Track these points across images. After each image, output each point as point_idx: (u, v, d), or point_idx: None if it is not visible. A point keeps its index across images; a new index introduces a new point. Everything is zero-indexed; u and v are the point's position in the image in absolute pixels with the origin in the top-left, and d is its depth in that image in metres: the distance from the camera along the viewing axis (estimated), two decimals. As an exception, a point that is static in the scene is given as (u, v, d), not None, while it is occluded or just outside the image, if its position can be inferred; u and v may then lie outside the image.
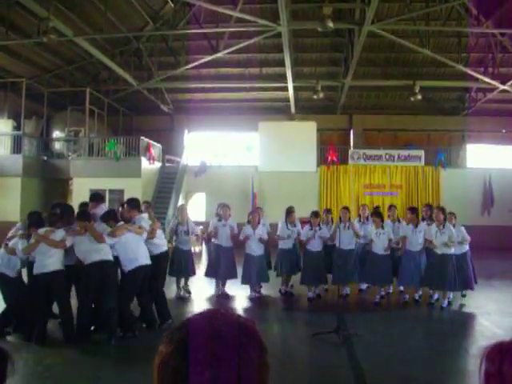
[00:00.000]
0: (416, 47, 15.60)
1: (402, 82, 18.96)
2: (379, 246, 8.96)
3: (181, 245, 9.40)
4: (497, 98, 19.74)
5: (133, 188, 17.19)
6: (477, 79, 17.57)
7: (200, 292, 9.88)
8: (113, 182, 17.47)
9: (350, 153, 20.25)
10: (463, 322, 8.08)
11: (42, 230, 6.47)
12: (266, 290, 9.80)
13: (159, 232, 7.79)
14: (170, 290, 9.46)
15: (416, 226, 8.88)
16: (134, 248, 6.76)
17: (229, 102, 22.66)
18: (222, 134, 23.17)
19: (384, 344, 6.60)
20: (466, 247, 9.05)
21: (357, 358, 5.92)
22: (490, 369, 1.03)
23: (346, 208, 9.50)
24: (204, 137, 23.38)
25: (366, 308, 8.93)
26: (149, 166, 18.70)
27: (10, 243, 6.74)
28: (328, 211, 10.27)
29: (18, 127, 18.76)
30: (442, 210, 8.79)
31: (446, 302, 8.70)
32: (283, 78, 17.99)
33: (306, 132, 20.35)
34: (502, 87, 17.74)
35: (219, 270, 9.49)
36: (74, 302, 6.78)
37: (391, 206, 10.40)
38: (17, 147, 18.17)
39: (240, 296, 9.55)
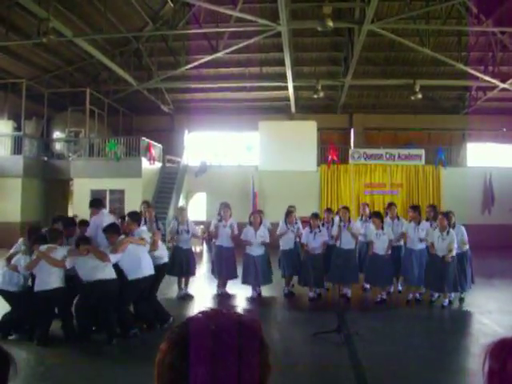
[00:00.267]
0: (416, 46, 15.59)
1: (402, 81, 18.94)
2: (379, 247, 8.96)
3: (181, 244, 9.39)
4: (497, 96, 19.74)
5: (133, 188, 17.22)
6: (477, 78, 17.57)
7: (201, 292, 9.88)
8: (113, 183, 17.49)
9: (350, 152, 20.26)
10: (464, 321, 8.09)
11: (43, 247, 6.43)
12: (266, 289, 9.80)
13: (160, 243, 7.82)
14: (171, 290, 9.48)
15: (418, 223, 8.88)
16: (137, 259, 6.79)
17: (229, 101, 22.67)
18: (222, 133, 23.19)
19: (385, 343, 6.60)
20: (466, 247, 9.04)
21: (358, 358, 5.93)
22: (493, 366, 1.03)
23: (346, 208, 9.48)
24: (204, 137, 23.39)
25: (367, 307, 8.94)
26: (149, 166, 18.70)
27: (13, 260, 6.73)
28: (329, 211, 10.26)
29: (18, 128, 18.77)
30: (447, 215, 8.73)
31: (446, 300, 8.69)
32: (283, 77, 17.98)
33: (306, 131, 20.34)
34: (502, 86, 17.73)
35: (220, 270, 9.50)
36: (73, 301, 6.80)
37: (390, 205, 10.39)
38: (17, 148, 18.17)
39: (241, 296, 9.56)
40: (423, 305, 8.88)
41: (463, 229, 9.00)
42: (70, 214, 17.13)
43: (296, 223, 9.68)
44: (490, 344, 1.07)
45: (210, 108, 22.97)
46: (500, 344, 1.06)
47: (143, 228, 7.38)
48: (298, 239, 9.72)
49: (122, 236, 6.88)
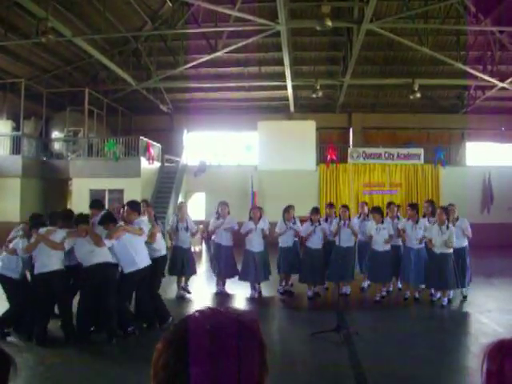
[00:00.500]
0: (415, 45, 15.59)
1: (401, 81, 18.94)
2: (379, 243, 8.97)
3: (181, 243, 9.37)
4: (496, 95, 19.74)
5: (132, 188, 17.20)
6: (476, 77, 17.57)
7: (200, 291, 9.88)
8: (112, 182, 17.47)
9: (349, 151, 20.27)
10: (463, 320, 8.09)
11: (42, 230, 6.48)
12: (266, 288, 9.80)
13: (158, 236, 7.79)
14: (171, 289, 9.48)
15: (416, 222, 8.89)
16: (133, 250, 6.74)
17: (228, 101, 22.66)
18: (221, 133, 23.15)
19: (384, 342, 6.60)
20: (465, 243, 9.05)
21: (357, 357, 5.93)
22: (491, 368, 1.03)
23: (346, 206, 9.49)
24: (203, 136, 23.36)
25: (367, 306, 8.95)
26: (148, 165, 18.70)
27: (12, 244, 6.75)
28: (331, 206, 10.21)
29: (17, 128, 18.74)
30: (446, 210, 8.78)
31: (446, 299, 8.71)
32: (282, 76, 17.97)
33: (305, 131, 20.35)
34: (500, 85, 17.73)
35: (219, 269, 9.51)
36: (73, 301, 6.79)
37: (390, 204, 10.39)
38: (16, 148, 18.16)
39: (240, 295, 9.56)
40: (422, 304, 8.89)
41: (467, 221, 9.01)
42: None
43: (294, 222, 9.68)
44: (488, 345, 1.07)
45: (208, 108, 22.97)
46: (497, 345, 1.06)
47: (143, 218, 7.32)
48: (296, 238, 9.74)
49: (121, 223, 6.87)
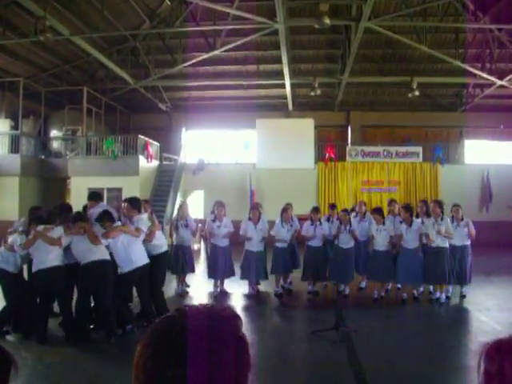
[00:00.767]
0: (413, 43, 15.59)
1: (400, 79, 18.94)
2: (380, 243, 9.00)
3: (181, 241, 9.42)
4: (494, 93, 19.72)
5: (131, 186, 17.17)
6: (474, 75, 17.56)
7: (199, 289, 9.90)
8: (111, 181, 17.44)
9: (347, 149, 20.26)
10: (462, 318, 8.11)
11: (40, 227, 6.48)
12: (264, 287, 9.82)
13: (158, 233, 7.78)
14: (170, 287, 9.48)
15: (410, 224, 8.87)
16: (130, 249, 6.76)
17: (226, 99, 22.63)
18: (219, 131, 23.13)
19: (383, 340, 6.62)
20: (468, 241, 9.05)
21: (356, 355, 5.94)
22: (489, 368, 1.00)
23: (346, 211, 9.54)
24: (202, 134, 23.34)
25: (365, 305, 8.95)
26: (147, 164, 18.67)
27: (9, 239, 6.74)
28: (333, 207, 10.24)
29: (15, 127, 18.72)
30: (439, 203, 8.88)
31: (443, 295, 8.72)
32: (280, 75, 17.96)
33: (303, 129, 20.35)
34: (499, 83, 17.74)
35: (217, 270, 9.51)
36: (73, 301, 6.80)
37: (391, 201, 10.42)
38: (14, 147, 18.12)
39: (238, 293, 9.57)
40: (421, 302, 8.90)
41: (471, 223, 9.03)
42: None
43: (291, 225, 9.67)
44: (485, 345, 1.04)
45: (207, 106, 22.94)
46: (495, 345, 1.03)
47: (143, 216, 7.31)
48: (295, 234, 9.77)
49: (118, 223, 6.87)
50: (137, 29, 16.97)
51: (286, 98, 20.96)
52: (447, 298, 8.86)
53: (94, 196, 7.68)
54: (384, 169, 19.85)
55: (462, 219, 8.97)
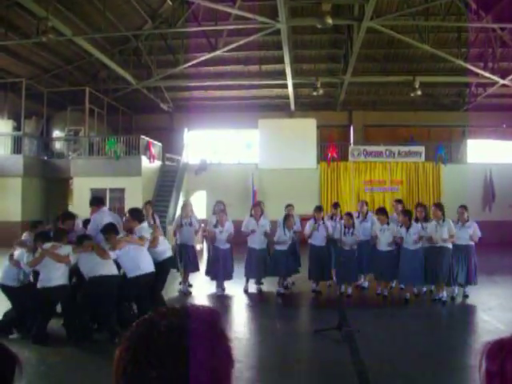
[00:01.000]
0: (415, 43, 15.58)
1: (402, 78, 18.92)
2: (383, 243, 9.01)
3: (185, 240, 9.48)
4: (497, 92, 19.70)
5: (133, 187, 17.22)
6: (477, 74, 17.54)
7: (202, 290, 9.89)
8: (113, 181, 17.49)
9: (350, 149, 20.24)
10: (465, 318, 8.09)
11: (47, 245, 6.46)
12: (267, 285, 9.82)
13: (161, 238, 7.81)
14: (172, 287, 9.49)
15: (408, 228, 8.85)
16: (136, 257, 6.82)
17: (228, 99, 22.64)
18: (221, 131, 23.17)
19: (386, 340, 6.61)
20: (471, 242, 9.03)
21: (359, 355, 5.93)
22: (491, 368, 1.00)
23: (350, 214, 9.54)
24: (204, 135, 23.38)
25: (368, 304, 8.95)
26: (149, 164, 18.70)
27: (15, 255, 6.73)
28: (336, 205, 10.25)
29: (18, 127, 18.77)
30: (439, 206, 8.89)
31: (444, 294, 8.68)
32: (283, 75, 17.96)
33: (305, 129, 20.32)
34: (502, 82, 17.70)
35: (217, 271, 9.52)
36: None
37: (398, 201, 10.47)
38: (17, 147, 18.19)
39: (240, 293, 9.57)
40: (424, 302, 8.89)
41: (476, 225, 9.01)
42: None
43: (294, 231, 9.67)
44: (486, 344, 1.03)
45: (209, 106, 22.95)
46: (497, 345, 1.02)
47: (143, 225, 7.34)
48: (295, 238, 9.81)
49: (121, 235, 6.91)
50: (139, 29, 17.00)
51: (288, 98, 20.96)
52: (452, 298, 8.83)
53: (96, 201, 7.69)
54: (386, 168, 19.83)
55: (468, 220, 8.95)
